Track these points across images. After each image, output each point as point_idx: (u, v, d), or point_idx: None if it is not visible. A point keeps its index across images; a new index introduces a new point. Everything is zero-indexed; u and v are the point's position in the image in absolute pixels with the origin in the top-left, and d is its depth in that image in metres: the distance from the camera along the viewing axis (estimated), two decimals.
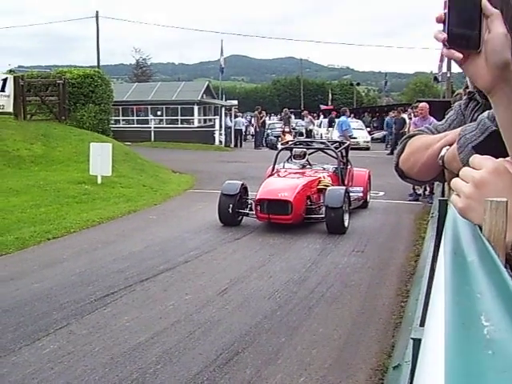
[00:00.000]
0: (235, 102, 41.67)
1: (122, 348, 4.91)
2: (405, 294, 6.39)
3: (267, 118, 38.47)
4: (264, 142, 32.41)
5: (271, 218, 9.69)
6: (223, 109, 33.79)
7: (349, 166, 12.23)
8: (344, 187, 10.28)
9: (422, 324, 3.15)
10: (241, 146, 32.74)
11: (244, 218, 10.26)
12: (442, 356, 0.66)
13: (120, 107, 32.73)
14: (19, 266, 7.60)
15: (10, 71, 24.70)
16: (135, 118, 34.92)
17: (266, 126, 33.78)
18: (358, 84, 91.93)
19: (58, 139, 17.31)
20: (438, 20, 1.13)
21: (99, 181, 13.61)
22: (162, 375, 4.38)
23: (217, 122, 31.90)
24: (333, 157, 11.74)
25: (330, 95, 78.83)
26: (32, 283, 6.77)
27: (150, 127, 32.50)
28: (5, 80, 18.02)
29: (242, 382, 4.29)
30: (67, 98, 20.12)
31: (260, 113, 32.87)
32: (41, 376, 4.37)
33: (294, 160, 11.78)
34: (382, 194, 14.00)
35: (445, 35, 1.11)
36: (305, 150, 11.94)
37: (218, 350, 4.84)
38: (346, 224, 9.70)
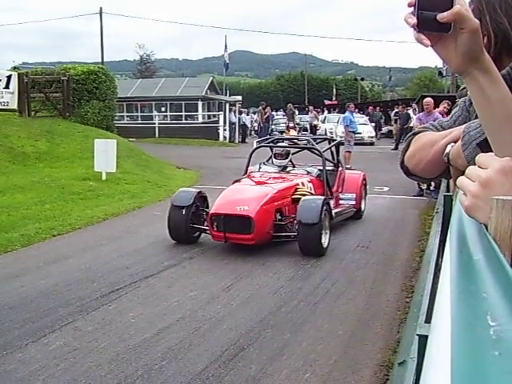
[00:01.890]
0: (239, 98, 41.68)
1: (127, 344, 4.92)
2: (410, 289, 6.39)
3: (274, 113, 38.35)
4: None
5: (228, 237, 8.01)
6: (227, 104, 33.80)
7: (340, 168, 10.76)
8: (322, 197, 8.41)
9: (428, 320, 3.14)
10: (245, 141, 32.73)
11: (202, 234, 8.73)
12: (448, 356, 0.66)
13: (124, 103, 32.82)
14: (25, 262, 7.63)
15: (15, 68, 24.71)
16: (139, 114, 35.02)
17: (271, 122, 33.73)
18: (363, 79, 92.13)
19: (62, 136, 17.32)
20: (409, 4, 1.15)
21: (104, 177, 13.64)
22: (167, 371, 4.39)
23: (221, 117, 31.90)
24: (317, 155, 10.05)
25: (335, 90, 78.83)
26: (37, 280, 6.79)
27: (155, 123, 32.56)
28: (9, 77, 18.04)
29: (247, 378, 4.30)
30: (71, 95, 20.13)
31: (264, 108, 32.82)
32: (47, 372, 4.39)
33: (275, 160, 10.02)
34: (386, 189, 14.01)
35: (414, 19, 1.13)
36: (287, 149, 10.22)
37: (224, 346, 4.85)
38: (324, 244, 8.02)
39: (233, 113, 33.24)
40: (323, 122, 36.34)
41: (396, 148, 25.27)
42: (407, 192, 13.03)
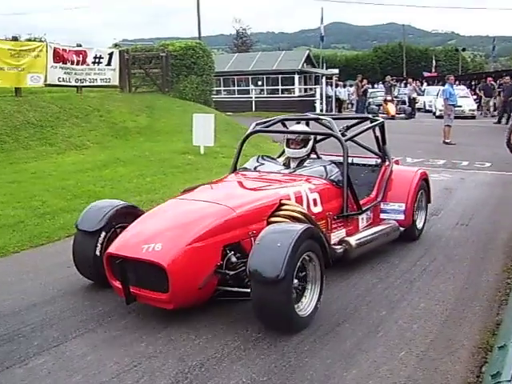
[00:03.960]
0: (336, 71, 41.29)
1: (226, 318, 5.03)
2: (511, 270, 6.19)
3: (369, 86, 37.66)
4: (365, 111, 31.92)
5: (133, 292, 4.70)
6: (324, 78, 33.55)
7: (386, 163, 7.47)
8: (301, 227, 4.61)
9: None
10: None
11: None
12: None
13: (221, 78, 33.27)
14: None
15: (116, 45, 25.52)
16: (236, 88, 35.39)
17: (368, 95, 33.19)
18: (464, 49, 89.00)
19: (161, 111, 17.77)
20: None
21: (202, 151, 13.91)
22: (262, 344, 4.46)
23: (318, 91, 31.75)
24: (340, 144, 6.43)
25: (434, 62, 76.54)
26: None
27: (251, 97, 32.84)
28: (111, 54, 18.69)
29: (342, 353, 4.31)
30: (170, 70, 20.59)
31: (361, 81, 32.29)
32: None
33: (287, 150, 6.77)
34: (488, 164, 13.56)
35: None
36: (305, 134, 6.74)
37: (319, 321, 4.88)
38: (304, 311, 4.74)
39: (329, 86, 32.96)
40: (422, 94, 35.49)
41: (499, 122, 24.30)
42: (511, 168, 12.53)
